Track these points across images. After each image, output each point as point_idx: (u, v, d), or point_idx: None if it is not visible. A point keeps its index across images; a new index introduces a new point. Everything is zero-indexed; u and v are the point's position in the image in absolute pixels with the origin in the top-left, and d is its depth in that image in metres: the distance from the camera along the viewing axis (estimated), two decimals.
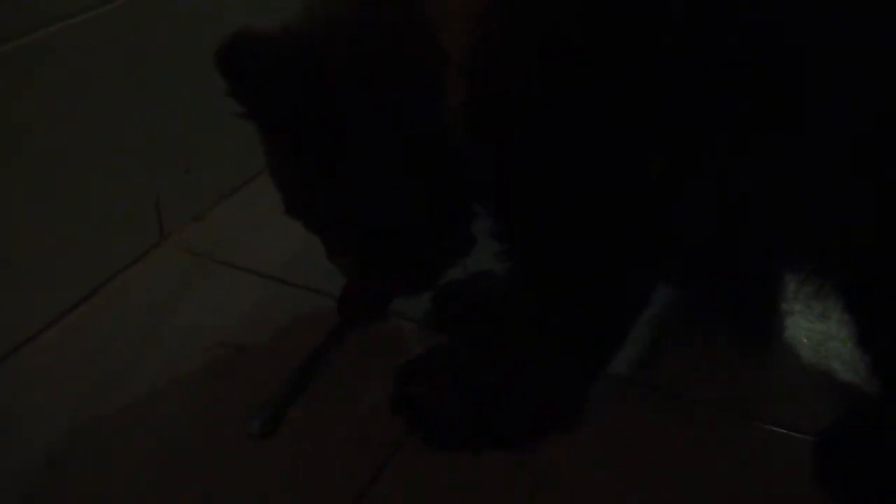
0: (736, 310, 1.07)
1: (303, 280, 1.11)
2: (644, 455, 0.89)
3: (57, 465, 0.88)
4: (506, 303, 0.90)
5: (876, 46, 0.72)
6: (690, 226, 0.80)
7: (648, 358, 1.00)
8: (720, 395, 0.95)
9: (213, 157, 1.23)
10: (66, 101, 1.01)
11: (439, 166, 0.87)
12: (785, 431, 0.92)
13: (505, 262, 0.85)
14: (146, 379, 0.98)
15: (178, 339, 1.03)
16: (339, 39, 0.86)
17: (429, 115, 0.83)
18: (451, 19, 0.80)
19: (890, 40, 0.72)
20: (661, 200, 0.78)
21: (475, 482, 0.87)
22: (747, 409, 0.94)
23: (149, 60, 1.10)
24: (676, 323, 1.06)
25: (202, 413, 0.95)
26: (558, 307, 0.85)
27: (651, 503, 0.85)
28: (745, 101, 0.74)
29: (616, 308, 0.86)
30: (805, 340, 1.02)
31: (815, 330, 1.03)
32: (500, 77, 0.78)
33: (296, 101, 0.86)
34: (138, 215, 1.15)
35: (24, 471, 0.88)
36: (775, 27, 0.72)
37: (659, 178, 0.77)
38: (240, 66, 0.85)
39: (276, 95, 0.86)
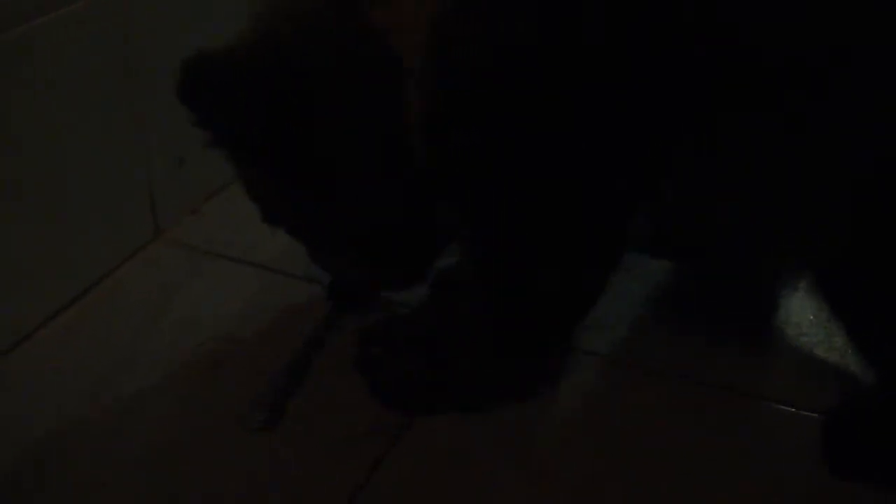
0: (739, 289, 1.05)
1: (298, 270, 1.10)
2: (647, 439, 0.88)
3: (54, 462, 0.87)
4: (462, 271, 0.92)
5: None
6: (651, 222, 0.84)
7: (653, 340, 1.00)
8: (725, 375, 0.94)
9: (206, 151, 1.21)
10: (55, 97, 1.00)
11: (408, 168, 0.86)
12: (792, 410, 0.91)
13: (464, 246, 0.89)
14: (144, 373, 0.97)
15: (175, 333, 1.02)
16: (293, 55, 0.85)
17: (390, 121, 0.83)
18: (401, 27, 0.80)
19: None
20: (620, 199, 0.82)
21: (474, 474, 0.86)
22: (754, 388, 0.93)
23: (139, 53, 1.09)
24: (679, 304, 1.05)
25: (200, 406, 0.94)
26: (512, 282, 0.87)
27: (655, 487, 0.84)
28: (706, 87, 0.75)
29: (574, 281, 0.87)
30: (812, 317, 1.01)
31: (822, 307, 1.01)
32: (452, 82, 0.79)
33: (261, 121, 0.85)
34: (132, 211, 1.14)
35: (22, 468, 0.87)
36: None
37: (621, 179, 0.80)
38: (203, 96, 0.84)
39: (243, 118, 0.85)
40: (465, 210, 0.86)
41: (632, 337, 1.00)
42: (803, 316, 1.01)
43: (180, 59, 0.84)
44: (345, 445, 0.88)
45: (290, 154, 0.87)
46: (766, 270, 1.03)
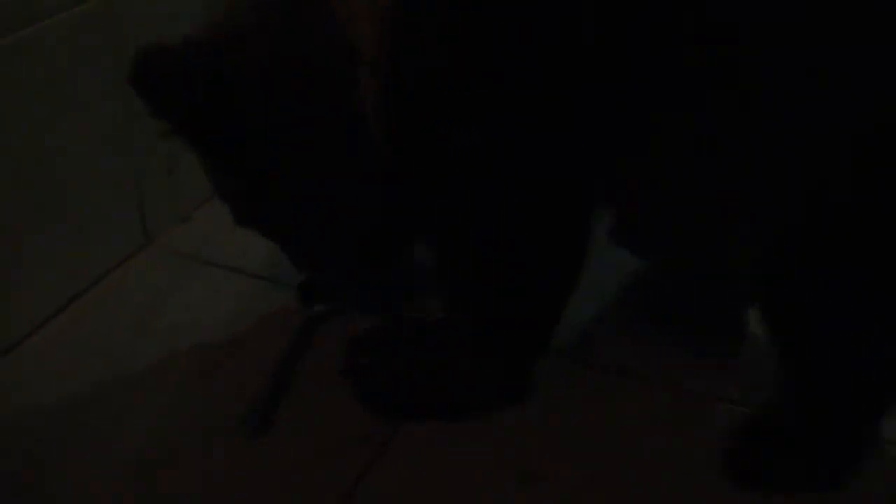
0: (731, 298, 1.06)
1: (288, 278, 1.10)
2: (641, 444, 0.89)
3: (44, 468, 0.87)
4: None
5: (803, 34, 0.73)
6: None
7: (646, 347, 1.00)
8: (718, 383, 0.96)
9: (196, 158, 1.21)
10: (47, 104, 1.00)
11: (365, 165, 0.87)
12: None
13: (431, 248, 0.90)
14: (136, 378, 0.98)
15: (165, 341, 1.03)
16: (248, 47, 0.85)
17: (345, 112, 0.84)
18: (359, 19, 0.81)
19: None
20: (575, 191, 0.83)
21: (465, 479, 0.86)
22: (746, 396, 0.94)
23: (130, 60, 1.09)
24: (673, 312, 1.05)
25: (193, 411, 0.94)
26: (480, 290, 0.88)
27: (650, 492, 0.85)
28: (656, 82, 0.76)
29: (544, 287, 0.88)
30: None
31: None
32: (408, 74, 0.80)
33: (208, 114, 0.85)
34: (123, 218, 1.15)
35: (19, 470, 0.87)
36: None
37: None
38: (152, 85, 0.85)
39: (189, 109, 0.85)
40: (422, 197, 0.87)
41: (625, 344, 1.01)
42: None
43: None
44: (336, 449, 0.89)
45: (238, 150, 0.87)
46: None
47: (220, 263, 1.15)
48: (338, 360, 0.97)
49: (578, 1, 0.75)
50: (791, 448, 0.85)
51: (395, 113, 0.82)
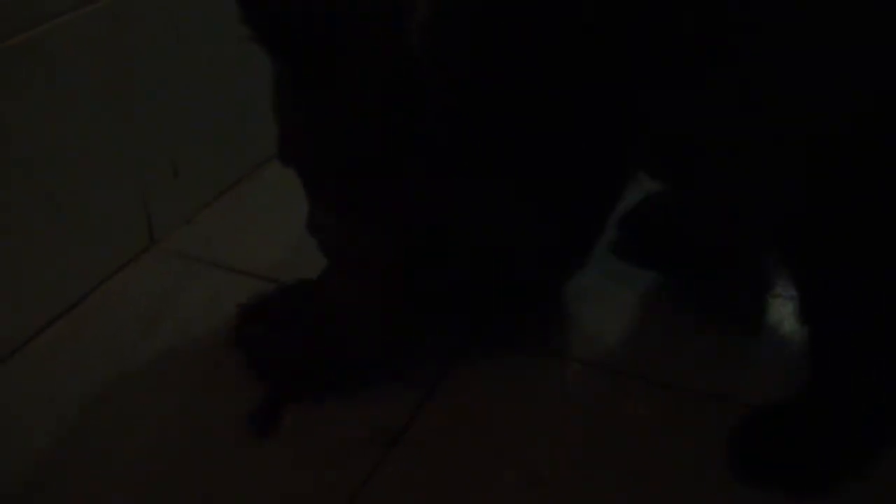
0: (732, 298, 1.06)
1: (291, 279, 1.09)
2: (643, 446, 0.89)
3: (46, 469, 0.88)
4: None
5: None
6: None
7: (648, 349, 1.00)
8: (720, 384, 0.95)
9: (201, 160, 1.22)
10: (52, 105, 1.01)
11: (403, 112, 0.87)
12: None
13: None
14: (141, 380, 0.98)
15: (170, 341, 1.03)
16: None
17: (393, 59, 0.85)
18: None
19: None
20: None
21: (470, 480, 0.86)
22: (749, 397, 0.93)
23: (135, 63, 1.10)
24: (674, 314, 1.05)
25: (197, 413, 0.94)
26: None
27: (651, 494, 0.85)
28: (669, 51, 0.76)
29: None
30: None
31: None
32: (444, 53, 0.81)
33: (296, 29, 0.86)
34: (128, 220, 1.15)
35: (17, 476, 0.87)
36: None
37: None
38: None
39: (279, 24, 0.86)
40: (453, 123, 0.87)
41: (627, 346, 1.01)
42: (794, 324, 1.02)
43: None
44: (342, 451, 0.89)
45: (313, 69, 0.88)
46: (759, 273, 1.04)
47: (224, 265, 1.15)
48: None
49: None
50: (799, 445, 0.85)
51: (435, 36, 0.83)
